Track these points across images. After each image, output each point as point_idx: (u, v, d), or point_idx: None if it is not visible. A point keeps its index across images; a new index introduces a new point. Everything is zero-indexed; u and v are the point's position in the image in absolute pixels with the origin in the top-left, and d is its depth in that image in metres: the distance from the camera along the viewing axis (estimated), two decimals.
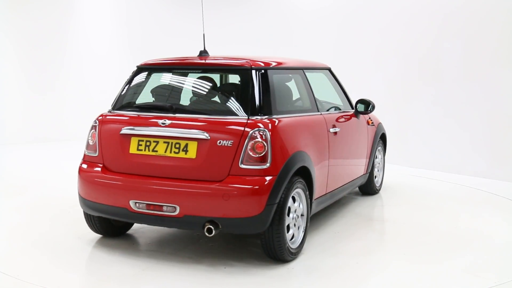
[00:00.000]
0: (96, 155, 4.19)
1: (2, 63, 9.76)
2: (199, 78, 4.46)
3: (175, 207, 3.79)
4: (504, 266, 4.08)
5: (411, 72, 7.98)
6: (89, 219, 4.40)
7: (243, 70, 4.08)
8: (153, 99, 4.38)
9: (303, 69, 4.79)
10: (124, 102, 4.35)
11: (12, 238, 4.61)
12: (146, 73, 4.46)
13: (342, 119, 5.13)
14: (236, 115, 3.90)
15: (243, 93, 4.00)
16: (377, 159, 6.07)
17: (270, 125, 3.84)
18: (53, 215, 5.20)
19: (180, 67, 4.45)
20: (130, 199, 3.92)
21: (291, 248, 4.01)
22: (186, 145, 3.86)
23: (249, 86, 3.98)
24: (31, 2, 9.96)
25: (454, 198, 6.16)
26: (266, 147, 3.76)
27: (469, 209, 5.72)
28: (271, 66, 4.23)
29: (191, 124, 3.90)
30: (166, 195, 3.82)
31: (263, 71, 4.08)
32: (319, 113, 4.68)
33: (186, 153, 3.85)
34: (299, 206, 4.14)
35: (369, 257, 4.25)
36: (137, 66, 4.52)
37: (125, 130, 4.05)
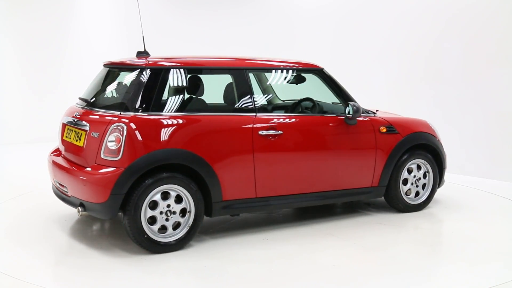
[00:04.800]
0: (58, 140, 4.92)
1: (2, 63, 9.77)
2: (121, 76, 4.76)
3: (67, 188, 4.39)
4: (504, 266, 4.09)
5: (412, 72, 7.97)
6: None
7: (138, 70, 4.41)
8: (101, 95, 4.74)
9: (245, 69, 4.71)
10: (81, 96, 4.86)
11: (11, 238, 4.64)
12: (103, 70, 4.89)
13: (301, 122, 4.85)
14: (114, 110, 4.28)
15: (130, 90, 4.34)
16: (412, 173, 5.43)
17: (130, 121, 4.14)
18: (53, 215, 5.22)
19: (109, 66, 4.85)
20: (53, 179, 4.73)
21: (157, 241, 4.20)
22: (81, 135, 4.41)
23: (135, 84, 4.34)
24: (31, 3, 9.96)
25: (453, 198, 6.16)
26: (121, 141, 4.07)
27: (469, 209, 5.72)
28: (171, 66, 4.45)
29: (84, 117, 4.45)
30: (62, 177, 4.48)
31: (154, 70, 4.36)
32: (253, 114, 4.59)
33: (80, 142, 4.41)
34: (179, 203, 4.27)
35: (242, 266, 4.04)
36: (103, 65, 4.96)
37: (62, 120, 4.81)
